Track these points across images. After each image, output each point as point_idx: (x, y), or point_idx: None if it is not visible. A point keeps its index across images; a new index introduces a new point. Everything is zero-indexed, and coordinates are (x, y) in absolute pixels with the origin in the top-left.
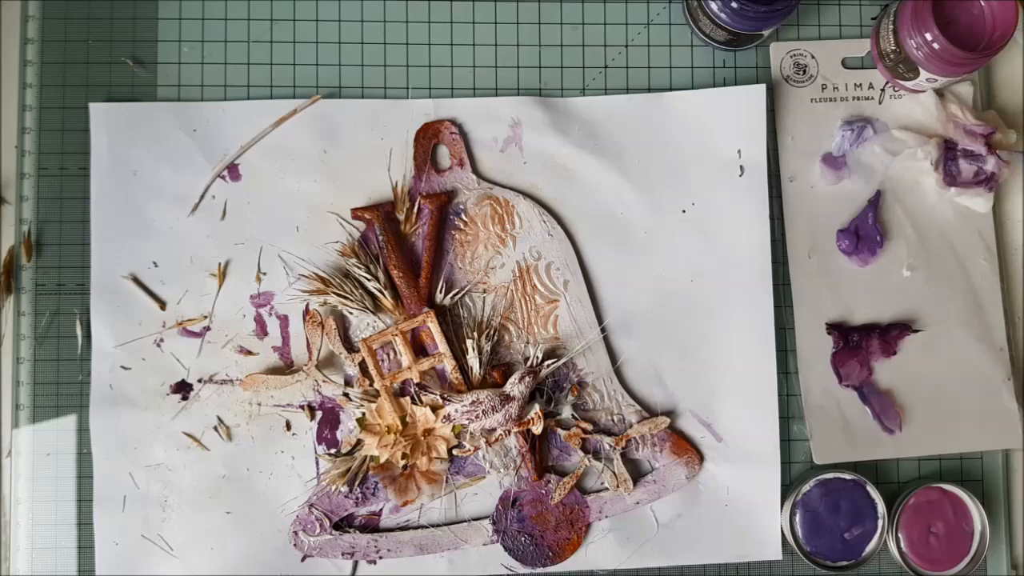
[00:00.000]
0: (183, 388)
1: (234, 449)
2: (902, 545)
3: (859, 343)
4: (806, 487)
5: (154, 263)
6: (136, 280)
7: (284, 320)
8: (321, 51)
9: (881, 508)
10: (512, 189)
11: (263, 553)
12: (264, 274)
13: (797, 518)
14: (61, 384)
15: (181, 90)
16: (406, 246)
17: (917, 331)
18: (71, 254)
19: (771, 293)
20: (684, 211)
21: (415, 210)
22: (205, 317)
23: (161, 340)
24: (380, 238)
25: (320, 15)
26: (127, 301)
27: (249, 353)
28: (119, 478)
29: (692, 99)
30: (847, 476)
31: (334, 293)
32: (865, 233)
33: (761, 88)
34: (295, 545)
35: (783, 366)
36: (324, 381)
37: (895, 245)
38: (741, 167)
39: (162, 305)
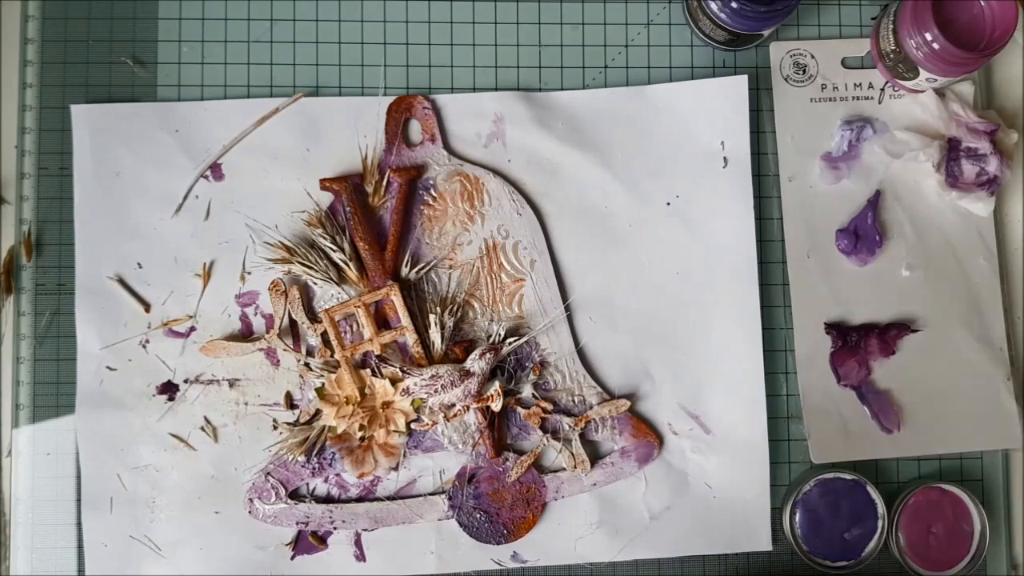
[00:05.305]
0: (169, 389)
1: (221, 449)
2: (902, 545)
3: (858, 343)
4: (806, 487)
5: (139, 264)
6: (121, 281)
7: (269, 320)
8: (321, 51)
9: (881, 508)
10: (483, 167)
11: (252, 553)
12: (249, 273)
13: (797, 518)
14: (61, 384)
15: (181, 90)
16: (373, 219)
17: (916, 331)
18: (71, 254)
19: (756, 284)
20: (668, 203)
21: (384, 183)
22: (190, 317)
23: (147, 341)
24: (347, 209)
25: (320, 15)
26: (112, 303)
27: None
28: (106, 480)
29: (674, 92)
30: (847, 476)
31: (298, 263)
32: (864, 233)
33: (743, 79)
34: (250, 512)
35: (782, 366)
36: (285, 349)
37: (894, 245)
38: (725, 159)
39: (147, 307)
